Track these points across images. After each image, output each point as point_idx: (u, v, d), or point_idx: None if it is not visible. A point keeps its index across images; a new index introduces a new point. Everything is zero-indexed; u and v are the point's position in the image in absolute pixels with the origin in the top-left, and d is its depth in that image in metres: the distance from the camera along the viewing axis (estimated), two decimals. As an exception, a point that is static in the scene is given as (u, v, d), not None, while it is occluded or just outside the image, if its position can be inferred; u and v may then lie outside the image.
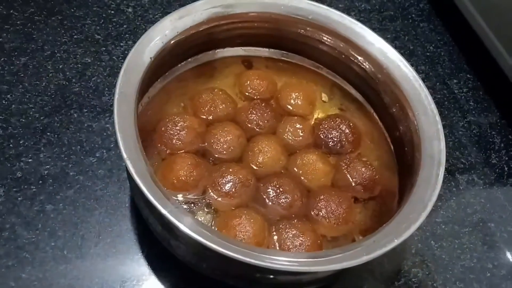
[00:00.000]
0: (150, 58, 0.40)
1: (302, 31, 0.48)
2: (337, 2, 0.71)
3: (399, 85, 0.44)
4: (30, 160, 0.45)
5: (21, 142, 0.46)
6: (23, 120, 0.48)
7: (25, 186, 0.43)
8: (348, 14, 0.68)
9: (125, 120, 0.34)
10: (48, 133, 0.47)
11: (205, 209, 0.40)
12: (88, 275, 0.39)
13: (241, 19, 0.47)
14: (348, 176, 0.45)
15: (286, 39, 0.49)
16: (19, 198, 0.42)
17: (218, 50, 0.49)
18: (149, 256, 0.41)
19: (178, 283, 0.40)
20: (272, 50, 0.51)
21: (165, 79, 0.47)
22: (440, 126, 0.40)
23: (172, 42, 0.42)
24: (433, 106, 0.42)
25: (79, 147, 0.47)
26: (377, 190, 0.45)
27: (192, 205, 0.40)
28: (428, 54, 0.67)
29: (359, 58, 0.47)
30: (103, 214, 0.43)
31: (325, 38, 0.48)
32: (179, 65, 0.48)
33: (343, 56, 0.48)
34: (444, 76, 0.65)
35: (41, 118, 0.48)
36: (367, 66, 0.46)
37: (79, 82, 0.52)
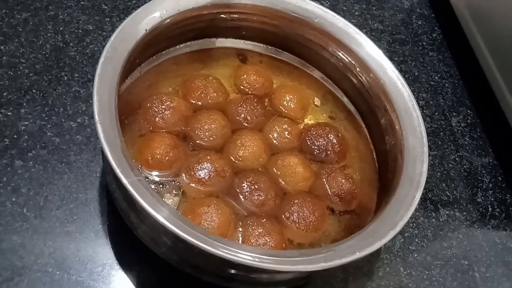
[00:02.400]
0: (146, 30, 0.39)
1: (305, 33, 0.48)
2: (350, 17, 0.70)
3: (392, 101, 0.43)
4: (9, 113, 0.44)
5: (4, 94, 0.45)
6: (11, 73, 0.47)
7: (6, 133, 0.42)
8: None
9: (106, 84, 0.34)
10: (33, 90, 0.46)
11: (174, 192, 0.39)
12: (42, 236, 0.38)
13: (245, 10, 0.46)
14: (327, 185, 0.44)
15: (287, 39, 0.49)
16: (5, 141, 0.41)
17: (217, 39, 0.49)
18: (109, 230, 0.40)
19: (134, 263, 0.39)
20: (270, 47, 0.51)
21: (160, 58, 0.46)
22: (426, 149, 0.39)
23: (170, 19, 0.41)
24: (422, 128, 0.41)
25: (62, 109, 0.46)
26: (354, 205, 0.44)
27: (161, 186, 0.39)
28: (432, 83, 0.66)
29: (358, 69, 0.47)
30: (72, 179, 0.42)
31: (326, 44, 0.47)
32: (177, 46, 0.47)
33: (341, 64, 0.47)
34: (444, 107, 0.64)
35: (30, 74, 0.48)
36: (364, 78, 0.46)
37: (76, 47, 0.51)
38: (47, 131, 0.44)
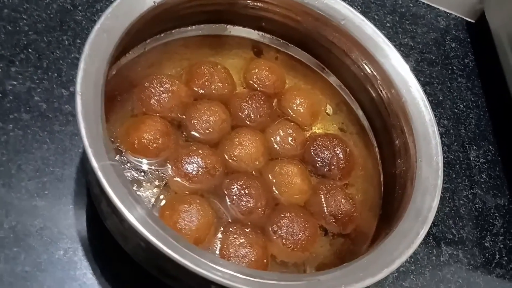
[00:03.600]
0: (154, 2, 0.36)
1: (328, 35, 0.44)
2: (381, 27, 0.66)
3: (411, 123, 0.39)
4: (-2, 70, 0.41)
5: (-3, 48, 0.42)
6: (9, 28, 0.44)
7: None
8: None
9: (98, 52, 0.30)
10: (30, 50, 0.43)
11: (155, 182, 0.36)
12: (7, 207, 0.35)
13: (269, 0, 0.42)
14: (324, 203, 0.40)
15: (308, 38, 0.45)
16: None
17: (234, 26, 0.45)
18: (80, 213, 0.37)
19: (99, 252, 0.36)
20: (289, 44, 0.47)
21: (168, 37, 0.43)
22: (439, 182, 0.35)
23: (184, -6, 0.38)
24: (440, 158, 0.37)
25: (56, 74, 0.43)
26: (350, 228, 0.40)
27: (143, 174, 0.36)
28: (456, 111, 0.62)
29: (379, 81, 0.42)
30: (51, 151, 0.39)
31: (349, 50, 0.43)
32: (189, 28, 0.44)
33: (362, 74, 0.43)
34: (465, 138, 0.60)
35: (30, 33, 0.44)
36: (385, 93, 0.42)
37: (84, 12, 0.48)
38: (35, 95, 0.41)
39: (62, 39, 0.45)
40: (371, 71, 0.43)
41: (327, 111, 0.47)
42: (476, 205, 0.54)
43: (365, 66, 0.43)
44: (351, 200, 0.41)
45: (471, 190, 0.55)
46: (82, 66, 0.29)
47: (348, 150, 0.44)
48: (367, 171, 0.45)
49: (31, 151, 0.38)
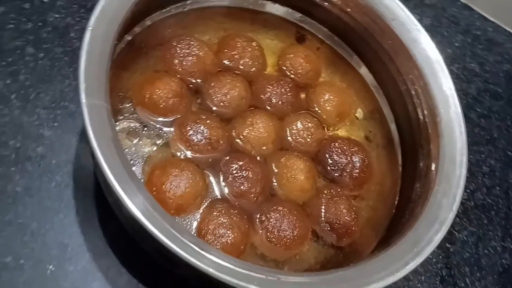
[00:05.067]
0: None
1: (376, 33, 0.40)
2: (447, 44, 0.60)
3: (439, 146, 0.35)
4: (45, 1, 0.43)
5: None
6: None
7: (33, 17, 0.41)
8: (450, 64, 0.59)
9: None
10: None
11: (154, 140, 0.35)
12: (17, 128, 0.36)
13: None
14: (323, 207, 0.37)
15: (354, 32, 0.42)
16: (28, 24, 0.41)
17: (280, 6, 0.43)
18: (79, 151, 0.37)
19: (87, 192, 0.36)
20: (334, 36, 0.44)
21: (210, 2, 0.42)
22: (451, 216, 0.31)
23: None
24: (459, 191, 0.32)
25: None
26: (345, 242, 0.37)
27: (145, 128, 0.36)
28: (509, 153, 0.55)
29: (422, 97, 0.38)
30: (71, 87, 0.40)
31: (395, 54, 0.39)
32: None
33: (405, 87, 0.39)
34: (510, 185, 0.53)
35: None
36: (421, 108, 0.38)
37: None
38: (71, 32, 0.42)
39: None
40: (415, 86, 0.39)
41: (356, 114, 0.44)
42: (503, 260, 0.48)
43: (410, 79, 0.39)
44: (353, 213, 0.38)
45: (502, 243, 0.49)
46: (103, 2, 0.29)
47: (367, 161, 0.40)
48: (383, 188, 0.41)
49: (52, 83, 0.39)
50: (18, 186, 0.35)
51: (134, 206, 0.25)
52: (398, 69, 0.40)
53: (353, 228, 0.37)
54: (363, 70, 0.44)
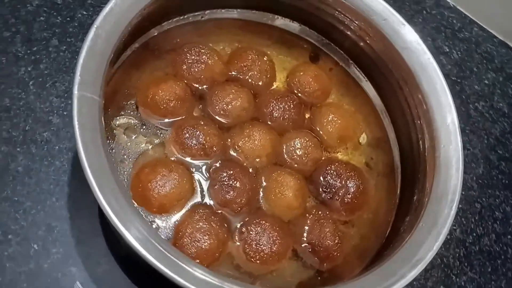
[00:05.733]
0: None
1: (388, 59, 0.39)
2: (476, 81, 0.58)
3: (434, 183, 0.33)
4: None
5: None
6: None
7: (63, 12, 0.44)
8: (476, 101, 0.56)
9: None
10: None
11: (151, 139, 0.37)
12: (29, 112, 0.39)
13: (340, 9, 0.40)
14: (307, 227, 0.37)
15: (369, 58, 0.41)
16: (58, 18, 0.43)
17: (299, 25, 0.44)
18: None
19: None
20: (349, 60, 0.43)
21: (229, 14, 0.43)
22: (429, 255, 0.29)
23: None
24: (445, 230, 0.31)
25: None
26: (326, 267, 0.37)
27: (143, 126, 0.37)
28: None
29: (425, 128, 0.37)
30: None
31: (404, 82, 0.38)
32: (252, 11, 0.43)
33: (411, 117, 0.38)
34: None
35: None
36: (425, 143, 0.36)
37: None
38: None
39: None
40: (418, 112, 0.38)
41: (360, 140, 0.43)
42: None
43: (415, 105, 0.38)
44: (337, 238, 0.37)
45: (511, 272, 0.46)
46: (112, 3, 0.31)
47: (362, 187, 0.39)
48: (376, 217, 0.40)
49: (69, 74, 0.42)
50: (20, 166, 0.37)
51: (107, 205, 0.25)
52: (406, 98, 0.39)
53: (335, 253, 0.36)
54: (373, 95, 0.44)
